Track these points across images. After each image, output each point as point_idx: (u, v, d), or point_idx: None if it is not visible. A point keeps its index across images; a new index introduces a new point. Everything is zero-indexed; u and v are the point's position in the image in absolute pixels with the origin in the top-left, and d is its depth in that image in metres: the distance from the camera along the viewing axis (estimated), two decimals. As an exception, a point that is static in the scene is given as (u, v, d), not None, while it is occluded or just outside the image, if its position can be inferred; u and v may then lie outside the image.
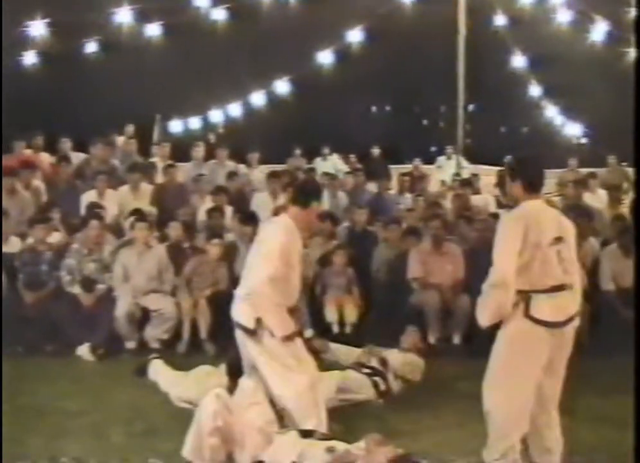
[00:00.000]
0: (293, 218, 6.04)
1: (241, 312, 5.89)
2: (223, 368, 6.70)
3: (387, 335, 7.91)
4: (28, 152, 11.97)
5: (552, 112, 17.39)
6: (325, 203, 11.53)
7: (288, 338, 5.73)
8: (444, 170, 15.04)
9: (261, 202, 10.91)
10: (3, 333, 8.25)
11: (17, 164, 11.17)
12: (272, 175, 11.47)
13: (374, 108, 19.10)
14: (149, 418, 6.51)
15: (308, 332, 8.74)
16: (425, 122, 19.32)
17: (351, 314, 8.95)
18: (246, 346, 5.87)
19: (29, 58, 12.57)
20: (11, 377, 7.44)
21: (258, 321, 5.74)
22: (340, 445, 5.06)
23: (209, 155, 12.68)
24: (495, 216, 10.31)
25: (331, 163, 14.44)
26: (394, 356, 7.26)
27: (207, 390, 5.57)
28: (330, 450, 4.97)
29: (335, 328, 8.88)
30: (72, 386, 7.43)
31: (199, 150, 12.65)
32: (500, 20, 15.18)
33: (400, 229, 9.93)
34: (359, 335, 8.62)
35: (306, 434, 5.27)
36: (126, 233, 9.85)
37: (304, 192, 6.16)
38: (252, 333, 5.77)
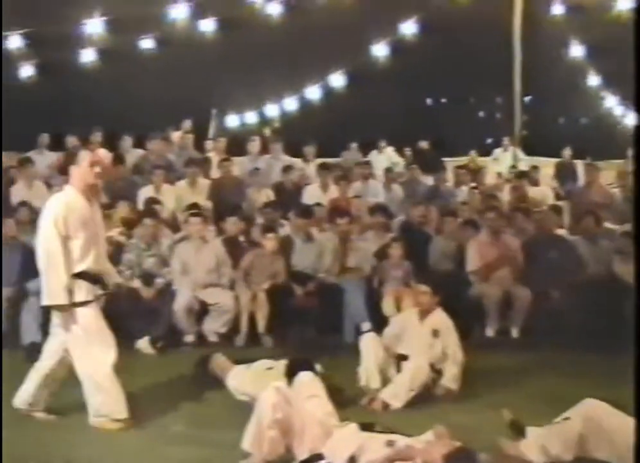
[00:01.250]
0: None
1: None
2: (282, 362, 6.73)
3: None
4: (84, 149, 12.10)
5: (611, 102, 17.12)
6: (380, 196, 11.55)
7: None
8: (500, 162, 14.91)
9: (312, 195, 10.92)
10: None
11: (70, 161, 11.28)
12: (323, 167, 11.49)
13: (429, 101, 18.98)
14: (209, 410, 6.58)
15: (366, 325, 8.77)
16: (480, 114, 19.16)
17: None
18: None
19: (87, 55, 12.71)
20: (73, 370, 7.61)
21: None
22: (400, 439, 5.04)
23: (265, 149, 12.72)
24: (555, 208, 10.20)
25: (386, 156, 14.39)
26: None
27: (267, 384, 5.59)
28: (390, 443, 4.95)
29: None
30: (134, 377, 7.50)
31: (255, 145, 12.70)
32: (557, 8, 14.96)
33: (456, 222, 9.89)
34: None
35: (366, 427, 5.25)
36: (183, 228, 9.93)
37: None
38: None
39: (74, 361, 6.24)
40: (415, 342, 7.07)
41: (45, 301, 6.13)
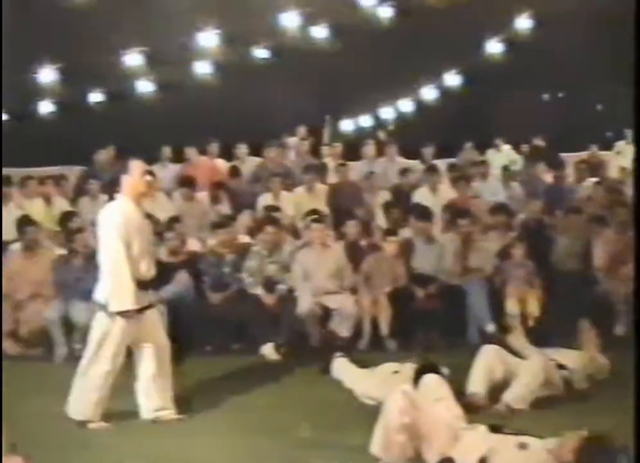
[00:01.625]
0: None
1: None
2: (407, 365, 6.70)
3: (571, 329, 7.66)
4: (204, 158, 12.33)
5: None
6: (499, 195, 11.37)
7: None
8: (623, 156, 14.46)
9: (421, 197, 10.84)
10: (193, 333, 8.64)
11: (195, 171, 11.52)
12: (430, 169, 11.40)
13: (546, 96, 18.59)
14: (335, 414, 6.57)
15: (490, 327, 8.66)
16: (599, 107, 18.64)
17: (534, 307, 8.76)
18: None
19: (203, 67, 12.96)
20: (202, 376, 7.78)
21: None
22: (532, 441, 4.94)
23: (381, 152, 12.70)
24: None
25: (504, 155, 14.16)
26: (571, 357, 7.02)
27: (393, 388, 5.57)
28: (522, 446, 4.86)
29: (517, 322, 8.72)
30: (260, 383, 7.61)
31: (370, 148, 12.69)
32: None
33: (580, 218, 9.66)
34: (542, 328, 8.43)
35: (496, 429, 5.17)
36: (303, 234, 10.01)
37: None
38: None
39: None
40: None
41: (114, 307, 6.26)
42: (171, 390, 6.63)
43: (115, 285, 6.28)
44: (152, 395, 6.53)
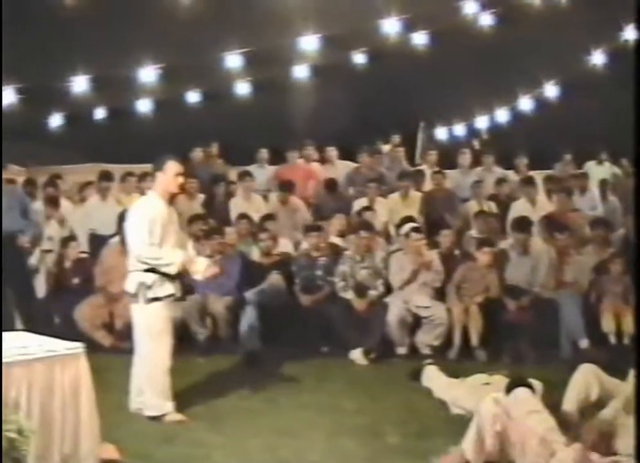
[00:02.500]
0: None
1: None
2: (497, 377, 6.63)
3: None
4: (300, 161, 12.39)
5: None
6: (598, 209, 11.15)
7: None
8: None
9: (520, 209, 10.67)
10: (283, 335, 8.70)
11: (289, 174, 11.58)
12: (526, 181, 11.22)
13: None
14: (423, 421, 6.54)
15: (584, 343, 8.49)
16: None
17: (629, 324, 8.55)
18: None
19: (301, 71, 13.02)
20: (290, 376, 7.85)
21: None
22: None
23: (476, 161, 12.58)
24: None
25: (604, 168, 13.83)
26: None
27: (483, 399, 5.52)
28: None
29: (612, 339, 8.54)
30: (348, 386, 7.63)
31: (465, 157, 12.59)
32: None
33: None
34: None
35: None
36: (396, 240, 9.98)
37: None
38: None
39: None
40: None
41: (150, 294, 6.45)
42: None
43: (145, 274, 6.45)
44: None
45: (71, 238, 9.97)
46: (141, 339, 6.55)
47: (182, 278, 6.94)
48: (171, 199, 6.71)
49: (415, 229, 9.31)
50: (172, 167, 6.60)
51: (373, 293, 9.09)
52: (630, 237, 9.89)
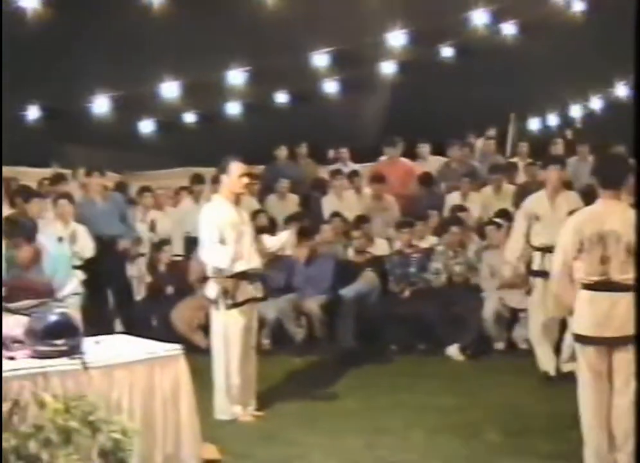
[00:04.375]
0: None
1: None
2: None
3: None
4: (393, 157, 12.28)
5: None
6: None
7: None
8: None
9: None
10: (379, 332, 8.69)
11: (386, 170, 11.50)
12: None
13: None
14: (525, 419, 6.42)
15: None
16: None
17: None
18: None
19: (389, 67, 12.95)
20: (386, 374, 7.82)
21: None
22: None
23: (571, 151, 12.30)
24: None
25: None
26: None
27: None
28: None
29: None
30: (446, 383, 7.55)
31: (558, 148, 12.32)
32: None
33: None
34: None
35: None
36: (489, 234, 9.83)
37: None
38: None
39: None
40: None
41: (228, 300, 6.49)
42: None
43: (220, 279, 6.51)
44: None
45: (164, 241, 10.10)
46: (217, 344, 6.63)
47: (263, 278, 6.95)
48: (237, 200, 6.71)
49: (494, 224, 9.19)
50: (236, 168, 6.66)
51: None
52: None
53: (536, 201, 7.88)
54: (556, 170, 7.89)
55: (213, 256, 6.50)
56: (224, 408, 6.58)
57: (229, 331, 6.56)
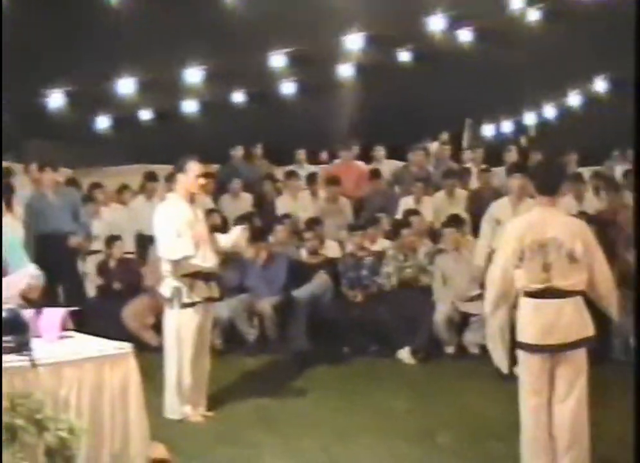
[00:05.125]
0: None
1: None
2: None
3: None
4: (348, 160, 12.30)
5: None
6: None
7: None
8: None
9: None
10: (331, 334, 8.70)
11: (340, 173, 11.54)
12: (574, 178, 11.02)
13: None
14: (476, 422, 6.46)
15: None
16: None
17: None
18: None
19: (346, 70, 12.98)
20: (336, 376, 7.80)
21: None
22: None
23: (523, 159, 12.41)
24: None
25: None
26: None
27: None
28: None
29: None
30: (398, 387, 7.57)
31: (512, 155, 12.43)
32: None
33: None
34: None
35: None
36: (441, 239, 9.89)
37: None
38: None
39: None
40: None
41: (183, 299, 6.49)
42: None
43: (175, 278, 6.50)
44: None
45: (115, 237, 9.96)
46: (170, 343, 6.61)
47: (219, 278, 6.91)
48: (193, 199, 6.71)
49: (446, 225, 9.28)
50: (194, 168, 6.63)
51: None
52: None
53: (500, 208, 7.99)
54: (519, 178, 7.99)
55: (172, 248, 6.44)
56: (174, 407, 6.55)
57: (182, 330, 6.52)
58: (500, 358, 5.41)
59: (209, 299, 6.67)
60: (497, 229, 7.77)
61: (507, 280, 5.11)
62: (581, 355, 5.06)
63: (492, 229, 7.91)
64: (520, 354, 5.17)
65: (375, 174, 11.47)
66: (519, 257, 5.03)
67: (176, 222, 6.46)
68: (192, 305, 6.51)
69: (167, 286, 6.58)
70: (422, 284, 9.17)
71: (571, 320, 4.98)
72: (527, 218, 5.27)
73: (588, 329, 5.05)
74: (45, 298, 5.68)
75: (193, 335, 6.54)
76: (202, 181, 6.71)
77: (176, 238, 6.42)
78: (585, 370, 5.06)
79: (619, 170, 12.30)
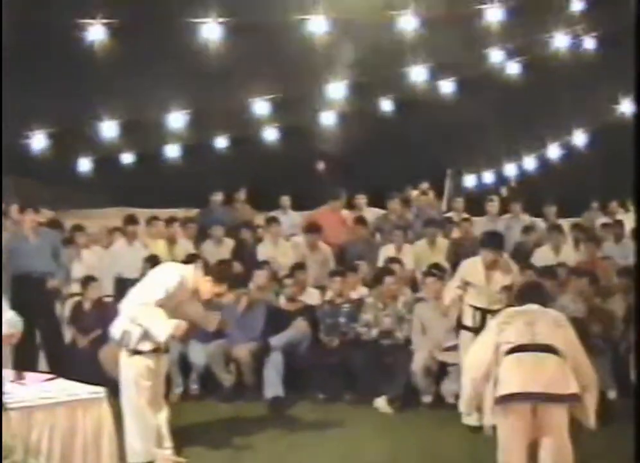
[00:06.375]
0: None
1: None
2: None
3: None
4: (329, 208, 12.34)
5: None
6: (630, 258, 11.00)
7: None
8: None
9: (543, 257, 10.57)
10: (307, 381, 8.63)
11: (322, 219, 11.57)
12: (554, 229, 11.15)
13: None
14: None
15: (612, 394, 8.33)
16: None
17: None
18: None
19: (328, 118, 13.06)
20: (312, 423, 7.78)
21: None
22: None
23: (504, 209, 12.51)
24: None
25: (630, 218, 13.68)
26: None
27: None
28: None
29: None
30: (373, 435, 7.52)
31: (493, 205, 12.49)
32: None
33: None
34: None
35: None
36: (421, 288, 9.92)
37: None
38: None
39: None
40: None
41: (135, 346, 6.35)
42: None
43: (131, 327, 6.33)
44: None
45: (91, 278, 9.81)
46: (124, 385, 6.36)
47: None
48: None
49: (429, 274, 9.26)
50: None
51: (397, 338, 9.05)
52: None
53: (471, 269, 7.94)
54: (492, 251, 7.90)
55: (152, 324, 6.27)
56: (137, 449, 6.25)
57: (136, 374, 6.33)
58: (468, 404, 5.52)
59: (157, 351, 6.45)
60: (470, 289, 7.87)
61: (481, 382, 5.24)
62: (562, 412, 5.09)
63: (463, 287, 7.97)
64: (499, 410, 5.20)
65: (361, 221, 11.48)
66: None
67: (177, 286, 6.40)
68: (141, 353, 6.34)
69: (118, 327, 6.41)
70: (400, 333, 9.16)
71: (554, 374, 5.02)
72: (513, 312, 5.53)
73: (570, 386, 5.08)
74: (22, 342, 5.64)
75: (147, 379, 6.35)
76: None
77: (157, 313, 6.27)
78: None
79: (598, 222, 12.42)
